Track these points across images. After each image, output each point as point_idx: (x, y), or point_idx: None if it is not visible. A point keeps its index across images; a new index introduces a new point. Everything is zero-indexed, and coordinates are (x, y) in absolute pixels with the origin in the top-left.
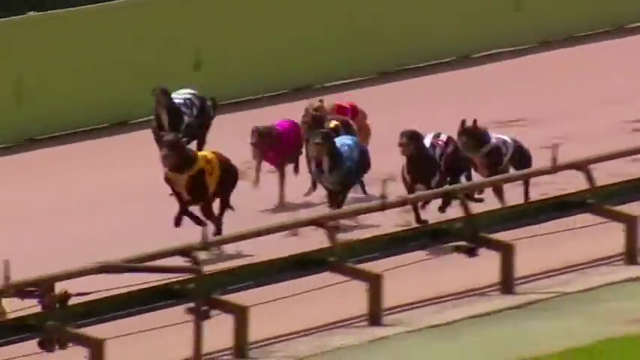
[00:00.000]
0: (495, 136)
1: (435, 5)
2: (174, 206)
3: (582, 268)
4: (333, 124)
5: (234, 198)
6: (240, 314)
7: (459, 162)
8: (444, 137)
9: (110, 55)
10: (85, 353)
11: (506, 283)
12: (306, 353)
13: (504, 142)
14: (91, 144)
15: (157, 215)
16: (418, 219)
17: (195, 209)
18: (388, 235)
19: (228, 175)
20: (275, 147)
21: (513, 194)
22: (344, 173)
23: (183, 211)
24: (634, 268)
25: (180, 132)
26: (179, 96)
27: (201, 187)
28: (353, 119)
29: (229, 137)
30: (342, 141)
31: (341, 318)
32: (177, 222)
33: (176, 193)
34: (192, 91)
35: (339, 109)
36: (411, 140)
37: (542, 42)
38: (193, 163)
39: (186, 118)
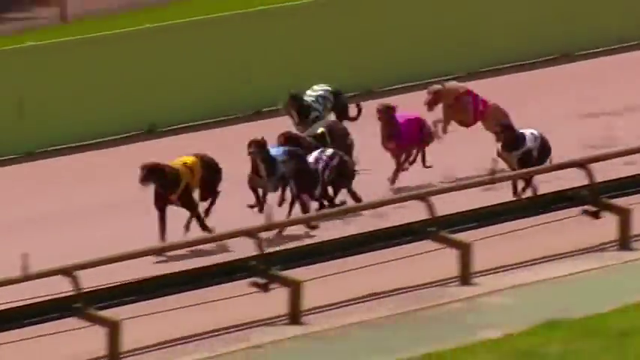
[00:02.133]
0: (528, 132)
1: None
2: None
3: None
4: (320, 130)
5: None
6: (295, 287)
7: (340, 175)
8: (329, 152)
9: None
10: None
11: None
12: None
13: (535, 137)
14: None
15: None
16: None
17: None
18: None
19: (212, 174)
20: (395, 138)
21: None
22: (277, 179)
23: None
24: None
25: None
26: (313, 93)
27: (189, 198)
28: (479, 104)
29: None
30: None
31: (435, 279)
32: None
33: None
34: (325, 87)
35: (469, 94)
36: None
37: None
38: (179, 183)
39: (316, 114)
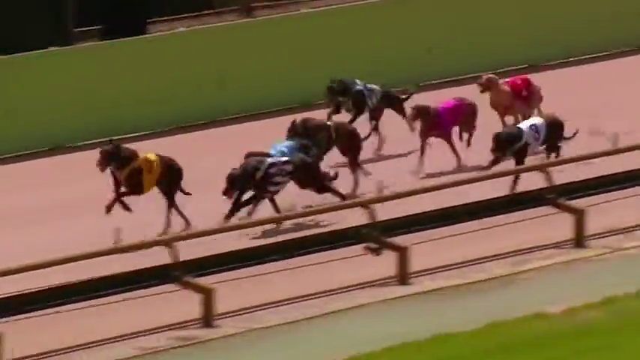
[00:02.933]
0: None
1: None
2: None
3: None
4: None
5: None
6: (401, 252)
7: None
8: (284, 159)
9: None
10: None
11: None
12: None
13: (535, 126)
14: None
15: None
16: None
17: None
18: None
19: (171, 173)
20: (434, 123)
21: None
22: None
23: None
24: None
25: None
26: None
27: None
28: (527, 90)
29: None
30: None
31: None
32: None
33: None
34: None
35: (513, 84)
36: None
37: None
38: (131, 161)
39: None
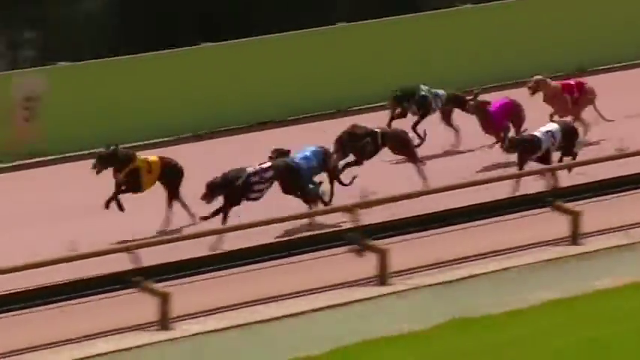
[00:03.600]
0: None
1: None
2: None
3: None
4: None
5: None
6: (382, 254)
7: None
8: (265, 165)
9: None
10: None
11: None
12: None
13: (551, 133)
14: None
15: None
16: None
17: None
18: None
19: (171, 173)
20: (487, 120)
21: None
22: None
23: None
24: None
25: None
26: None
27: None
28: (579, 93)
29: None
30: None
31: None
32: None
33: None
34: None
35: (565, 86)
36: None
37: None
38: (130, 163)
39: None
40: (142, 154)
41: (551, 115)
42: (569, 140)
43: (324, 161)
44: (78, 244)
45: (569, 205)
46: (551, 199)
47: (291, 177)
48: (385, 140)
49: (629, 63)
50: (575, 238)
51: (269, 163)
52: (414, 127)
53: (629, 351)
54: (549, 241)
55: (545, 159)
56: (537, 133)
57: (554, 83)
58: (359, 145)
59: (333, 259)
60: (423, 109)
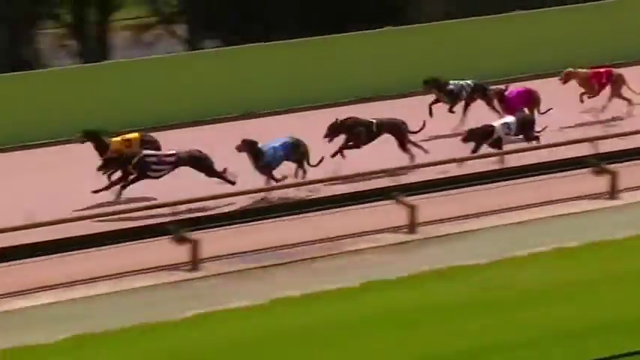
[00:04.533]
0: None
1: None
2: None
3: None
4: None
5: None
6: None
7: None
8: (170, 152)
9: None
10: None
11: None
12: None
13: (507, 124)
14: None
15: None
16: None
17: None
18: None
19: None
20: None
21: None
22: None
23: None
24: None
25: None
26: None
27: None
28: (607, 80)
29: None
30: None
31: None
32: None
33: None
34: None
35: (595, 74)
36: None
37: None
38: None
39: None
40: None
41: (581, 96)
42: (526, 129)
43: (292, 152)
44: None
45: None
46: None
47: (199, 163)
48: (381, 129)
49: None
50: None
51: (174, 150)
52: (429, 109)
53: None
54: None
55: (496, 145)
56: (495, 124)
57: (583, 71)
58: (355, 132)
59: None
60: (452, 98)
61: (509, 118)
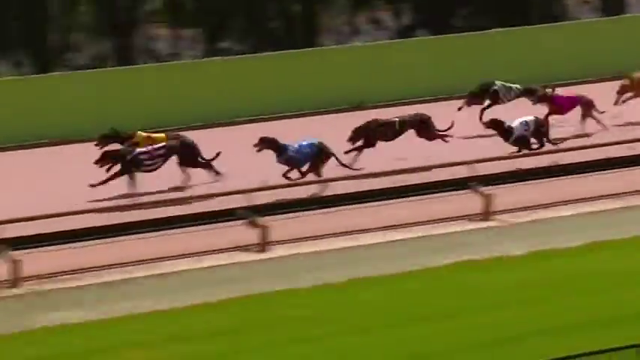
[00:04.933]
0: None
1: None
2: None
3: None
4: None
5: None
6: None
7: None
8: (157, 146)
9: None
10: None
11: None
12: None
13: (526, 122)
14: None
15: None
16: None
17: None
18: None
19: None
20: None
21: None
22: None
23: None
24: None
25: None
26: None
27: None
28: None
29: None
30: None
31: None
32: None
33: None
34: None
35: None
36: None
37: None
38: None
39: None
40: None
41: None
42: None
43: (318, 151)
44: None
45: None
46: None
47: (186, 153)
48: (403, 126)
49: None
50: None
51: (163, 143)
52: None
53: None
54: None
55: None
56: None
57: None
58: (378, 132)
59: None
60: (493, 100)
61: (529, 118)
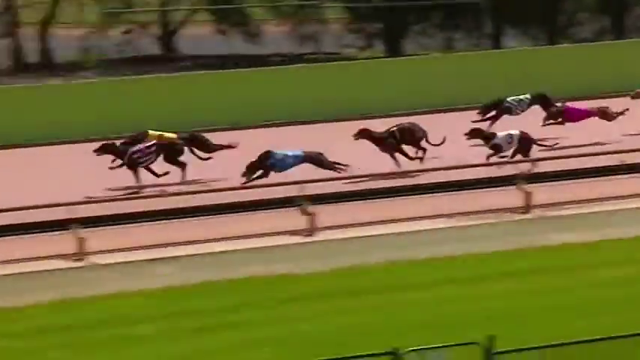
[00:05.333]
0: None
1: None
2: None
3: None
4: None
5: None
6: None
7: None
8: (148, 144)
9: None
10: None
11: None
12: None
13: (510, 136)
14: None
15: None
16: None
17: None
18: None
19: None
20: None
21: None
22: None
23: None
24: None
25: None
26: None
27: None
28: None
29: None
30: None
31: None
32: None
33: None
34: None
35: None
36: None
37: None
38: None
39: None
40: None
41: None
42: (524, 148)
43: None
44: None
45: None
46: None
47: (171, 153)
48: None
49: None
50: None
51: (152, 142)
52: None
53: None
54: None
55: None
56: (499, 133)
57: None
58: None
59: None
60: (501, 113)
61: (514, 132)
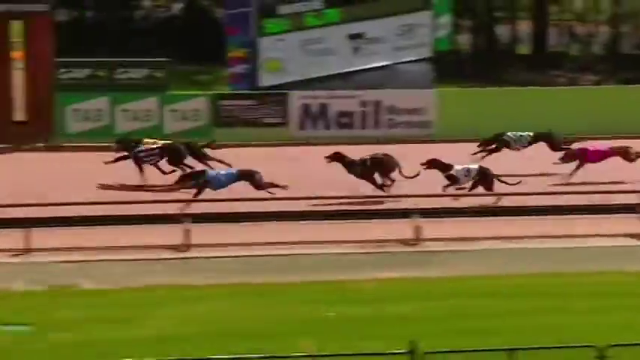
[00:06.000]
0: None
1: None
2: None
3: None
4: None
5: None
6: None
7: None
8: (155, 146)
9: None
10: None
11: None
12: None
13: (468, 169)
14: None
15: None
16: None
17: None
18: None
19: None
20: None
21: None
22: None
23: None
24: None
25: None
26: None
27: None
28: None
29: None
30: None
31: None
32: None
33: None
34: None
35: None
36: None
37: None
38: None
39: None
40: None
41: None
42: (486, 181)
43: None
44: None
45: None
46: None
47: (173, 155)
48: (373, 164)
49: None
50: None
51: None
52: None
53: None
54: None
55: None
56: (457, 166)
57: None
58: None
59: None
60: (499, 146)
61: (473, 166)
